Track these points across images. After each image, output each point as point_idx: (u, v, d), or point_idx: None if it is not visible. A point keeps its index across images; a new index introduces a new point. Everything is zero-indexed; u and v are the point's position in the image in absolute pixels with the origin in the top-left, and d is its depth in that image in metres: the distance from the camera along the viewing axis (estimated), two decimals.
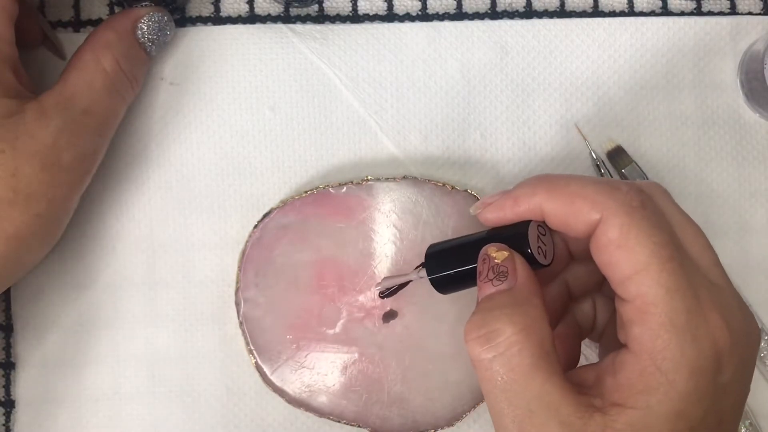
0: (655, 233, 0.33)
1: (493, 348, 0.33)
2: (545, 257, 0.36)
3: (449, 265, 0.38)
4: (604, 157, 0.45)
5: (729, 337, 0.32)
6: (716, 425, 0.32)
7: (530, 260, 0.35)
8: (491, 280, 0.35)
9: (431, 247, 0.39)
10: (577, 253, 0.38)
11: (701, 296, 0.32)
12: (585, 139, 0.45)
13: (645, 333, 0.32)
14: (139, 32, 0.41)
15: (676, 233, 0.34)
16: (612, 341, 0.36)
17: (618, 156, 0.44)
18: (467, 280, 0.37)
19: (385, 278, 0.42)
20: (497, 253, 0.35)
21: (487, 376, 0.33)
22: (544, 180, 0.36)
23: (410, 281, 0.42)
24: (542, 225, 0.36)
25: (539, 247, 0.36)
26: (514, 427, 0.33)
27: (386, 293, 0.43)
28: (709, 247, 0.35)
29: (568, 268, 0.39)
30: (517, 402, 0.32)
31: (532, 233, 0.36)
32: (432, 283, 0.38)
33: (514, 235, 0.36)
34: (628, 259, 0.33)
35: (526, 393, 0.32)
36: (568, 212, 0.34)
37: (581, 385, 0.34)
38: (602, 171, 0.44)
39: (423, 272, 0.39)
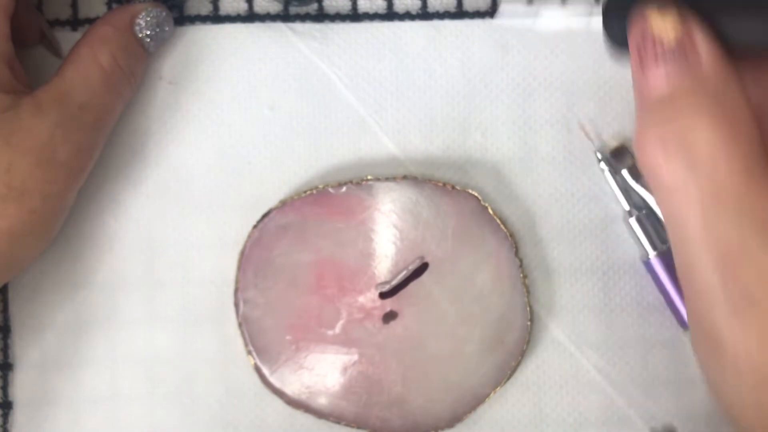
0: None
1: (688, 155, 0.23)
2: None
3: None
4: (607, 157, 0.45)
5: None
6: None
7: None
8: (661, 55, 0.24)
9: None
10: None
11: None
12: (589, 138, 0.45)
13: None
14: (137, 28, 0.41)
15: None
16: None
17: (621, 155, 0.44)
18: None
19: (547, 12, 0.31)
20: (665, 16, 0.24)
21: (678, 197, 0.23)
22: None
23: (410, 278, 0.42)
24: None
25: None
26: (717, 269, 0.23)
27: (386, 293, 0.43)
28: None
29: None
30: (726, 227, 0.23)
31: None
32: (607, 34, 0.27)
33: None
34: None
35: (740, 214, 0.23)
36: None
37: None
38: (607, 170, 0.44)
39: (596, 18, 0.29)
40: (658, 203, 0.24)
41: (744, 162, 0.23)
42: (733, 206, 0.23)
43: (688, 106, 0.23)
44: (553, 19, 0.31)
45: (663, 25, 0.24)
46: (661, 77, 0.24)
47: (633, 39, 0.25)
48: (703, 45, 0.24)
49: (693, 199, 0.23)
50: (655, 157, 0.23)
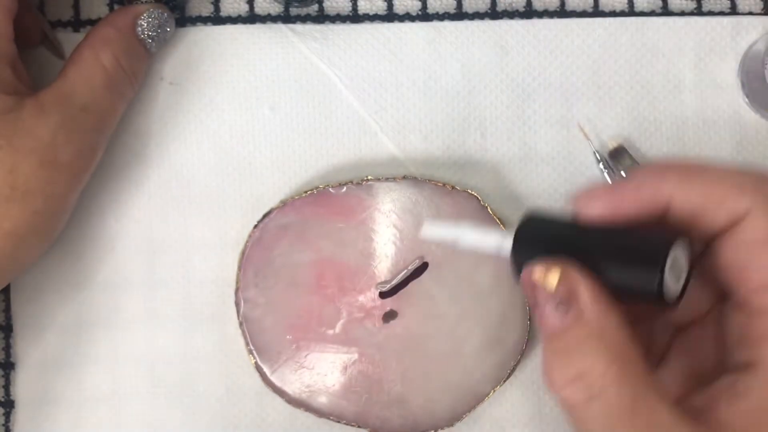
0: None
1: (588, 388, 0.29)
2: (676, 291, 0.30)
3: (542, 252, 0.31)
4: (606, 157, 0.45)
5: None
6: None
7: (651, 295, 0.29)
8: (553, 311, 0.30)
9: (530, 220, 0.32)
10: None
11: None
12: (588, 139, 0.45)
13: None
14: (139, 29, 0.41)
15: None
16: (684, 370, 0.33)
17: (620, 156, 0.44)
18: None
19: (467, 231, 0.34)
20: (548, 277, 0.30)
21: (584, 420, 0.29)
22: (673, 165, 0.31)
23: (410, 278, 0.42)
24: (685, 242, 0.30)
25: (676, 276, 0.29)
26: None
27: (386, 293, 0.43)
28: None
29: None
30: None
31: (672, 255, 0.29)
32: (513, 268, 0.32)
33: (643, 250, 0.29)
34: None
35: (632, 425, 0.28)
36: (706, 202, 0.29)
37: (690, 411, 0.29)
38: (606, 171, 0.44)
39: (504, 242, 0.32)
40: (568, 419, 0.30)
41: (630, 382, 0.29)
42: (624, 420, 0.28)
43: (576, 341, 0.29)
44: (470, 242, 0.34)
45: (547, 277, 0.30)
46: (551, 316, 0.30)
47: (525, 285, 0.31)
48: (584, 292, 0.29)
49: (592, 416, 0.29)
50: (559, 383, 0.29)
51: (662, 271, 0.28)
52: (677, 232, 0.30)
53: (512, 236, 0.32)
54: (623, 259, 0.30)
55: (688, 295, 0.31)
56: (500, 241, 0.33)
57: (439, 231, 0.35)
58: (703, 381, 0.32)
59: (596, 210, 0.31)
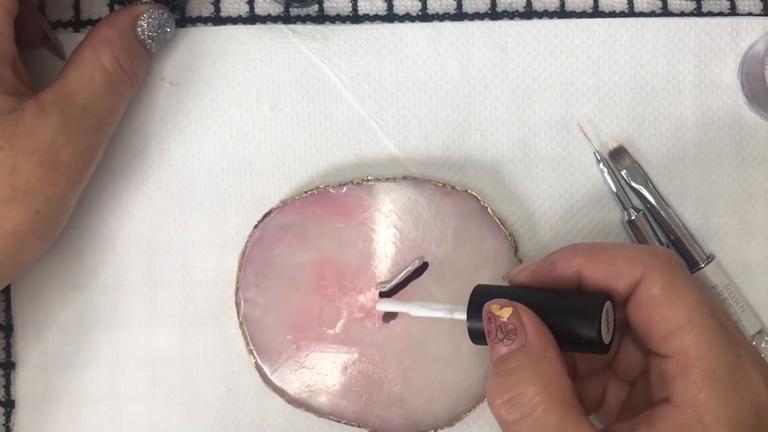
0: (695, 291, 0.34)
1: (519, 410, 0.33)
2: (607, 340, 0.35)
3: None
4: (606, 157, 0.45)
5: None
6: None
7: (591, 343, 0.35)
8: (501, 340, 0.35)
9: (479, 289, 0.37)
10: None
11: (741, 354, 0.33)
12: (588, 139, 0.45)
13: (688, 386, 0.33)
14: (139, 29, 0.41)
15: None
16: (631, 413, 0.37)
17: (620, 156, 0.44)
18: None
19: (417, 306, 0.39)
20: (502, 311, 0.35)
21: None
22: (581, 245, 0.37)
23: (410, 278, 0.42)
24: (610, 303, 0.36)
25: (607, 327, 0.35)
26: None
27: (386, 292, 0.43)
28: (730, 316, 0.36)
29: None
30: None
31: (605, 309, 0.35)
32: (470, 332, 0.37)
33: (583, 307, 0.35)
34: (670, 314, 0.34)
35: None
36: (608, 274, 0.35)
37: None
38: (606, 171, 0.44)
39: (459, 313, 0.37)
40: None
41: (557, 406, 0.33)
42: None
43: (515, 367, 0.34)
44: (423, 310, 0.39)
45: (501, 310, 0.35)
46: (500, 344, 0.35)
47: (484, 316, 0.36)
48: (529, 325, 0.34)
49: None
50: (497, 403, 0.34)
51: (599, 320, 0.34)
52: (604, 294, 0.36)
53: (460, 308, 0.37)
54: (567, 312, 0.35)
55: (628, 352, 0.38)
56: (449, 311, 0.38)
57: (392, 306, 0.41)
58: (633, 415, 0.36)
59: (524, 279, 0.37)
